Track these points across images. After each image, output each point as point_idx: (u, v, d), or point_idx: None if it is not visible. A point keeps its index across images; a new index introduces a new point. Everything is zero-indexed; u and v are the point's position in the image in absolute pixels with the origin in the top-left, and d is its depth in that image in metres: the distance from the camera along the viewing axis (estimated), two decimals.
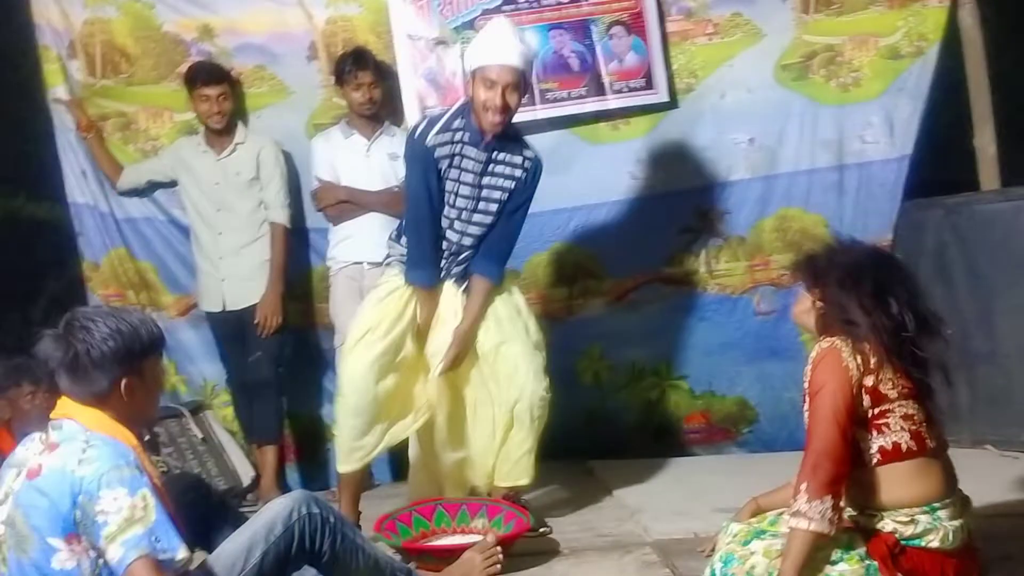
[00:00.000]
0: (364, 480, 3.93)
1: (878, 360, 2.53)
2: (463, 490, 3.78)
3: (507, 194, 3.66)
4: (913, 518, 2.54)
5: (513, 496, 3.71)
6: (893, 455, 2.54)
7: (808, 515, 2.43)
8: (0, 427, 4.11)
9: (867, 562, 2.52)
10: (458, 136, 3.63)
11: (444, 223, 3.67)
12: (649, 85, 4.72)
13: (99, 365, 2.34)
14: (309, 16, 4.72)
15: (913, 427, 2.55)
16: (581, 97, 4.71)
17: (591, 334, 4.76)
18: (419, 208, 3.66)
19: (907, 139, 4.66)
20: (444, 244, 3.69)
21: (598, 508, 3.97)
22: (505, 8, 4.61)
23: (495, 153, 3.64)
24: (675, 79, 4.73)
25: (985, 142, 4.66)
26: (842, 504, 2.50)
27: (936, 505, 2.55)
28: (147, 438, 4.22)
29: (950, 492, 2.58)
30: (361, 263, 4.39)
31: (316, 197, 4.56)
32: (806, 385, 2.58)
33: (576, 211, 4.72)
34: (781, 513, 2.63)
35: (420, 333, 3.71)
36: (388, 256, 3.81)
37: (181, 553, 2.28)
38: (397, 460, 4.51)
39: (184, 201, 4.63)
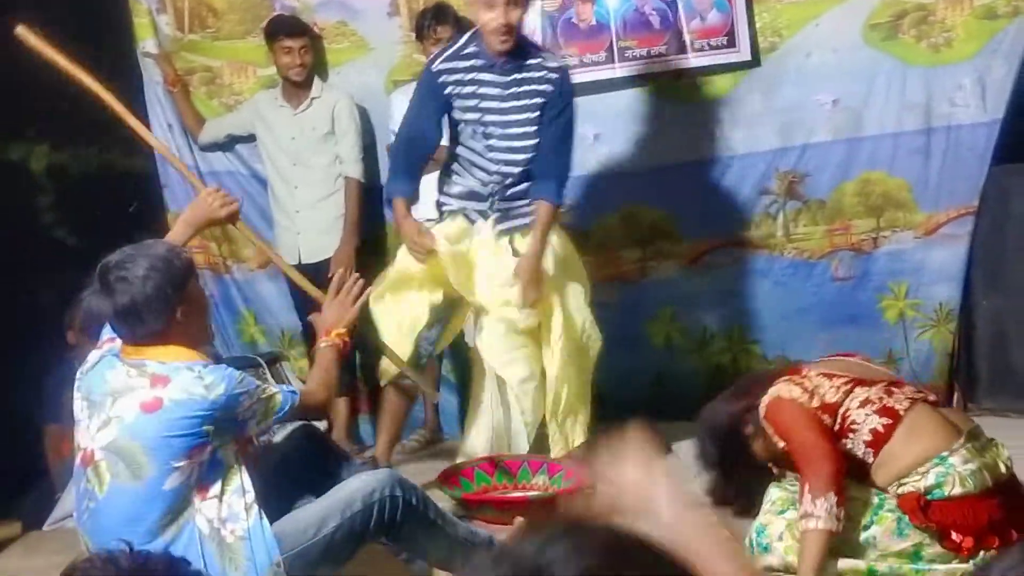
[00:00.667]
0: (408, 407, 3.97)
1: (807, 380, 2.72)
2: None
3: (538, 111, 3.63)
4: (924, 473, 2.56)
5: (576, 453, 3.72)
6: (878, 441, 2.59)
7: (816, 514, 2.49)
8: None
9: (898, 514, 2.54)
10: (472, 63, 3.62)
11: (476, 158, 3.67)
12: (732, 43, 4.63)
13: (150, 305, 2.43)
14: None
15: (875, 407, 2.61)
16: (661, 55, 4.64)
17: (663, 297, 4.72)
18: (410, 126, 3.73)
19: (999, 103, 4.48)
20: (485, 178, 3.68)
21: None
22: None
23: (515, 74, 3.62)
24: (759, 37, 4.62)
25: None
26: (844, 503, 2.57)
27: (944, 454, 2.56)
28: None
29: (955, 438, 2.57)
30: (433, 220, 4.41)
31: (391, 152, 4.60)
32: (773, 436, 2.73)
33: (652, 171, 4.66)
34: None
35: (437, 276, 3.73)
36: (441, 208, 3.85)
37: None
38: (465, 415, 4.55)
39: (262, 155, 4.72)
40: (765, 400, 2.74)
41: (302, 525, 2.58)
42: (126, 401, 2.43)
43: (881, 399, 2.60)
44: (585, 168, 4.52)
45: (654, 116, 4.67)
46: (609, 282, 4.63)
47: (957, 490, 2.53)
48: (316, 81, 4.65)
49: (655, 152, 4.64)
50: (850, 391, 2.63)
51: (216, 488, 2.46)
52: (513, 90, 3.64)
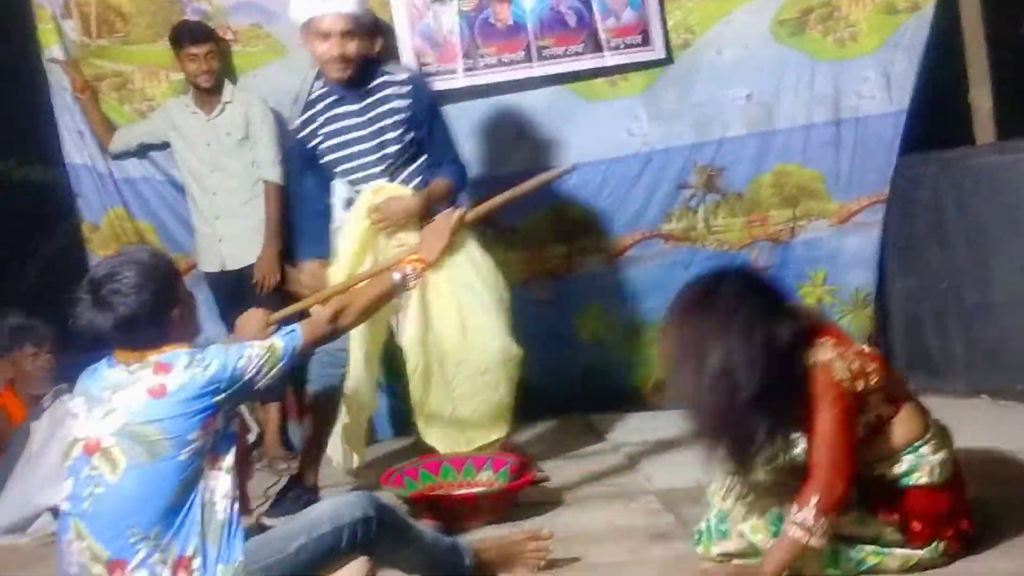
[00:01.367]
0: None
1: (851, 352, 2.54)
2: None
3: (404, 126, 3.61)
4: (897, 461, 2.60)
5: (516, 447, 3.74)
6: (878, 426, 2.59)
7: (812, 531, 2.46)
8: (5, 388, 4.13)
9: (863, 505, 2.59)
10: (325, 102, 3.63)
11: (365, 177, 3.66)
12: (646, 42, 4.72)
13: (149, 314, 2.45)
14: None
15: (885, 393, 2.60)
16: (578, 54, 4.70)
17: (590, 291, 4.78)
18: (302, 198, 3.78)
19: (903, 94, 4.67)
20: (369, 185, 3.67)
21: (600, 460, 3.99)
22: None
23: (368, 96, 3.61)
24: (671, 35, 4.72)
25: (980, 96, 4.67)
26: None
27: (917, 444, 2.61)
28: None
29: (926, 428, 2.63)
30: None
31: None
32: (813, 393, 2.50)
33: (575, 168, 4.72)
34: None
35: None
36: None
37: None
38: (398, 414, 4.54)
39: (177, 162, 4.62)
40: (819, 359, 2.51)
41: (268, 540, 2.56)
42: (131, 390, 2.44)
43: (889, 385, 2.60)
44: (509, 166, 4.55)
45: (573, 113, 4.74)
46: (538, 277, 4.68)
47: (924, 480, 2.59)
48: (227, 85, 4.57)
49: (575, 149, 4.69)
50: (881, 377, 2.56)
51: (227, 461, 2.49)
52: (372, 111, 3.62)
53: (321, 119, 3.67)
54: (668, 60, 4.74)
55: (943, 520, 2.61)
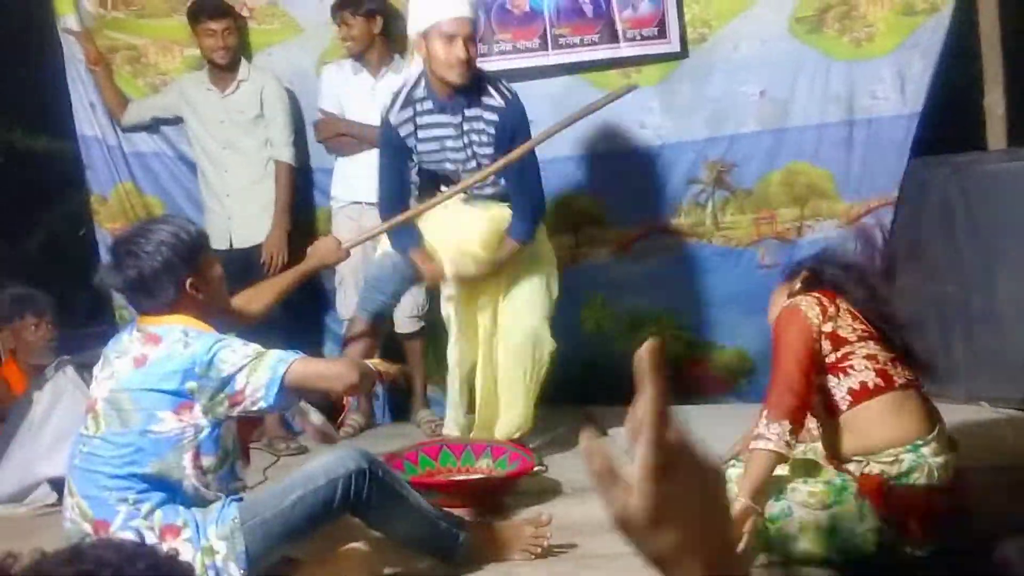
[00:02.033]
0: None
1: (835, 308, 2.68)
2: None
3: (492, 141, 3.60)
4: (897, 457, 2.62)
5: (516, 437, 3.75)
6: (862, 394, 2.63)
7: (767, 436, 2.53)
8: (7, 359, 4.15)
9: (861, 501, 2.59)
10: (421, 107, 3.61)
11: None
12: (662, 34, 4.70)
13: (159, 277, 2.52)
14: None
15: (877, 366, 2.66)
16: (593, 44, 4.69)
17: (594, 283, 4.78)
18: (388, 185, 3.72)
19: (918, 96, 4.64)
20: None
21: None
22: None
23: (465, 110, 3.59)
24: (688, 28, 4.71)
25: (994, 102, 4.65)
26: (800, 435, 2.61)
27: (919, 443, 2.62)
28: None
29: (930, 429, 2.65)
30: (360, 203, 4.38)
31: (317, 128, 4.57)
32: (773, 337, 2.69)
33: (583, 159, 4.72)
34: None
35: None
36: None
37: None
38: (396, 401, 4.55)
39: (189, 138, 4.62)
40: (783, 302, 2.73)
41: (263, 497, 2.63)
42: (125, 358, 2.55)
43: (885, 363, 2.64)
44: None
45: (586, 103, 4.71)
46: None
47: (923, 480, 2.60)
48: (243, 63, 4.58)
49: (586, 139, 4.69)
50: (865, 340, 2.65)
51: (209, 462, 2.54)
52: (467, 125, 3.60)
53: (420, 121, 3.65)
54: (684, 54, 4.72)
55: (937, 522, 2.61)
